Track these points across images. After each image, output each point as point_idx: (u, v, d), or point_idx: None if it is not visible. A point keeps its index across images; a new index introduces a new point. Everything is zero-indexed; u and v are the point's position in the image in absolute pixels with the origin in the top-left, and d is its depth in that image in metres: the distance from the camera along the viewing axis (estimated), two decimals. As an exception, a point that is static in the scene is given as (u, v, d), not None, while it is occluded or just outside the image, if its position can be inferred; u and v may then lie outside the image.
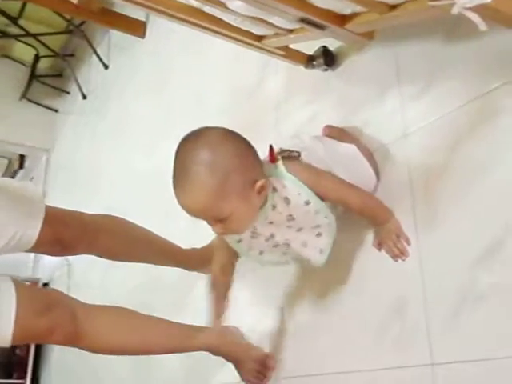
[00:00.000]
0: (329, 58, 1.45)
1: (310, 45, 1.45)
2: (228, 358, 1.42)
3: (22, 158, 4.31)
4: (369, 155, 1.27)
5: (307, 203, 1.10)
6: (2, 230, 1.24)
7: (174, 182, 1.05)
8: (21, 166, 4.33)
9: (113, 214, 1.62)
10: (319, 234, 1.17)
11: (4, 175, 4.34)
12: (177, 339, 1.40)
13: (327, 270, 1.25)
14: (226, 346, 1.40)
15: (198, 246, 1.75)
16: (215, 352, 1.40)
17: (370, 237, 1.24)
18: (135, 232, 1.61)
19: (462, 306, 1.04)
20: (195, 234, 1.95)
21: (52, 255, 1.52)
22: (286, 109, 1.68)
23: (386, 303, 1.18)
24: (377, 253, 1.21)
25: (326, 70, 1.48)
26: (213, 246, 1.73)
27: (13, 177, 4.34)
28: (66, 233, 1.40)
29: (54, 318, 1.24)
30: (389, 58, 1.34)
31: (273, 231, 1.14)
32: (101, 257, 1.55)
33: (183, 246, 1.72)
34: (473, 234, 1.06)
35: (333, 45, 1.47)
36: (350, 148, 1.26)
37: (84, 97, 3.57)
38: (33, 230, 1.30)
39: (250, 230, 1.13)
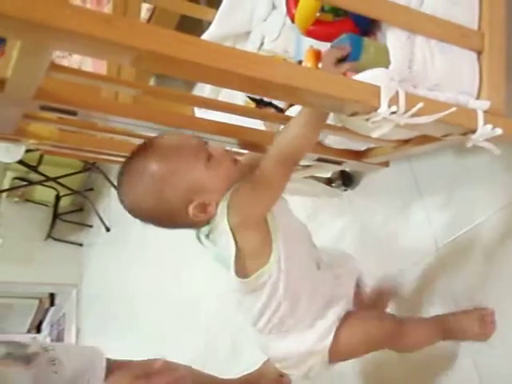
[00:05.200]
0: (347, 179, 1.50)
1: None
2: None
3: (51, 295, 4.35)
4: None
5: None
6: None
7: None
8: (51, 303, 4.36)
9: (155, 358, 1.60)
10: None
11: (36, 315, 4.36)
12: None
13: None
14: None
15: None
16: None
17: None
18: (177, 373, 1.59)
19: None
20: (237, 362, 1.93)
21: None
22: (311, 228, 1.71)
23: None
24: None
25: (345, 190, 1.53)
26: (259, 371, 1.70)
27: (44, 316, 4.36)
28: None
29: None
30: (405, 173, 1.38)
31: None
32: None
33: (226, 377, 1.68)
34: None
35: (348, 165, 1.53)
36: None
37: (107, 229, 3.65)
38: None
39: None
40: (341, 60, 0.91)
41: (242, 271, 0.93)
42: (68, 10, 0.55)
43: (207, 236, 0.96)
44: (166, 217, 0.94)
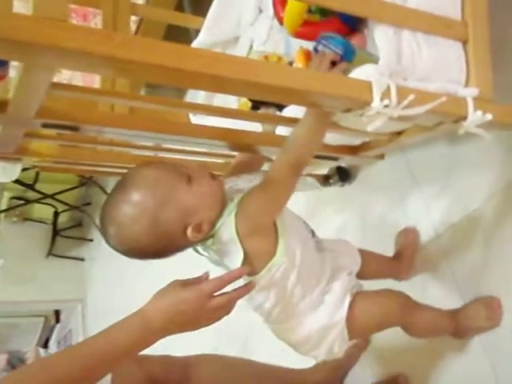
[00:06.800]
0: (343, 175, 1.53)
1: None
2: None
3: (57, 312, 4.36)
4: None
5: None
6: None
7: None
8: (57, 320, 4.36)
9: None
10: None
11: (42, 333, 4.36)
12: None
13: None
14: None
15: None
16: None
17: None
18: (232, 361, 1.49)
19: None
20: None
21: None
22: (312, 225, 1.73)
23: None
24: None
25: (342, 185, 1.55)
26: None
27: (51, 333, 4.36)
28: (157, 372, 1.36)
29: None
30: (401, 164, 1.41)
31: None
32: None
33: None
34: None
35: (344, 160, 1.56)
36: None
37: (108, 242, 3.66)
38: None
39: None
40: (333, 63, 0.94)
41: (250, 271, 0.95)
42: (71, 31, 0.58)
43: (207, 247, 0.98)
44: (165, 247, 0.94)
